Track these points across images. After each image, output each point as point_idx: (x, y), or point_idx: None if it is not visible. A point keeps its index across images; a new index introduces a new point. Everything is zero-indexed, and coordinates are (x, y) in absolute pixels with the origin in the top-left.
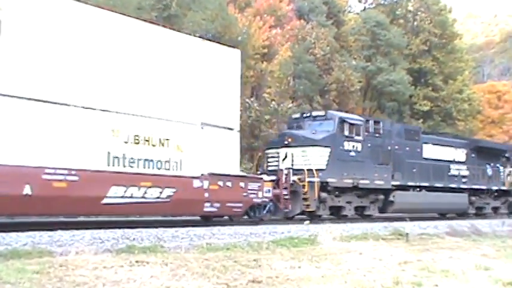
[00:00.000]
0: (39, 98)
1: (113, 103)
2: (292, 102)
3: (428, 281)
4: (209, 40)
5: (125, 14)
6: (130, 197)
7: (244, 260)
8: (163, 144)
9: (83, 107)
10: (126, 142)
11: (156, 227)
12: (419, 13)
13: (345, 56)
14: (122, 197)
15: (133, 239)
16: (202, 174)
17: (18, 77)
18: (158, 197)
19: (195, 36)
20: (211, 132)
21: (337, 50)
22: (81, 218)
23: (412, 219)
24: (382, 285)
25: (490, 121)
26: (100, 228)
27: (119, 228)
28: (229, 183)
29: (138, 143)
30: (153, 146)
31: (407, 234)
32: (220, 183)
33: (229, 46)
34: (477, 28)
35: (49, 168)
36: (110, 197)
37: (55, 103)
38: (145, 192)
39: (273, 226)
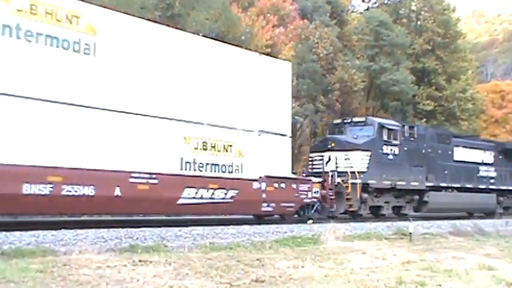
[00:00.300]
0: (130, 111)
1: (185, 113)
2: (296, 101)
3: (432, 281)
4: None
5: (128, 13)
6: (201, 197)
7: (247, 259)
8: (226, 150)
9: (160, 117)
10: (196, 148)
11: (159, 227)
12: (422, 12)
13: (348, 56)
14: (193, 197)
15: (137, 238)
16: (260, 177)
17: (111, 93)
18: (223, 198)
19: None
20: (267, 138)
21: (341, 50)
22: (84, 217)
23: (414, 219)
24: (385, 284)
25: (493, 121)
26: (103, 227)
27: (122, 227)
28: (283, 185)
29: (205, 149)
30: (218, 151)
31: (410, 233)
32: (276, 185)
33: (282, 59)
34: (481, 27)
35: (135, 172)
36: (184, 198)
37: (139, 114)
38: (212, 194)
39: (276, 226)
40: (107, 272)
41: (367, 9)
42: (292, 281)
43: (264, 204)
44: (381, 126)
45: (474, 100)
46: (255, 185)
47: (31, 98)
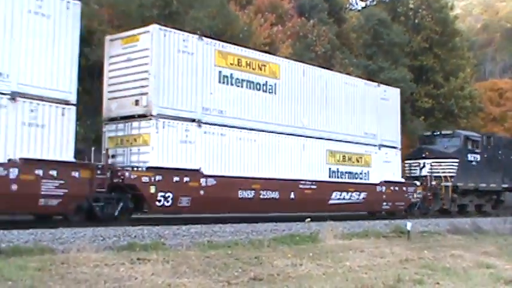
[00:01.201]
0: (299, 134)
1: (331, 133)
2: None
3: (430, 279)
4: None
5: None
6: (343, 198)
7: (245, 257)
8: (358, 161)
9: (316, 138)
10: (338, 161)
11: (157, 225)
12: (420, 10)
13: (346, 54)
14: (338, 198)
15: (135, 236)
16: (380, 182)
17: (286, 121)
18: (358, 199)
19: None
20: (384, 150)
21: (338, 48)
22: None
23: (413, 218)
24: (384, 283)
25: (491, 118)
26: (101, 225)
27: (120, 225)
28: (396, 188)
29: (344, 161)
30: (353, 162)
31: (408, 231)
32: (392, 188)
33: (386, 84)
34: (479, 25)
35: (302, 180)
36: (332, 199)
37: (303, 136)
38: (351, 196)
39: (273, 224)
40: (105, 270)
41: (364, 7)
42: (291, 279)
43: (384, 204)
44: (466, 138)
45: (472, 98)
46: (378, 188)
47: (243, 128)
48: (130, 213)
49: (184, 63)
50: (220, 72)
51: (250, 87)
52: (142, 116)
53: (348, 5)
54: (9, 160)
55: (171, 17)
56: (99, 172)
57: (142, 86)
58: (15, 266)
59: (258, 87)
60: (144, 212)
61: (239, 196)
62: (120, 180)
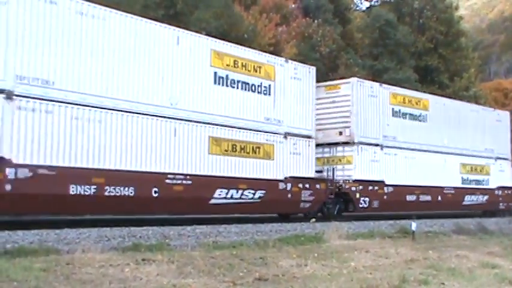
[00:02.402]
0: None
1: (461, 149)
2: None
3: (435, 279)
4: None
5: (131, 12)
6: (471, 200)
7: (250, 258)
8: (481, 171)
9: (448, 153)
10: (468, 171)
11: (162, 225)
12: (425, 11)
13: (351, 54)
14: (470, 200)
15: (140, 237)
16: (497, 187)
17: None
18: (481, 200)
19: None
20: (499, 162)
21: (343, 48)
22: (87, 217)
23: (418, 217)
24: (388, 283)
25: None
26: (106, 226)
27: (125, 226)
28: (510, 192)
29: (472, 171)
30: (478, 172)
31: (413, 232)
32: (506, 191)
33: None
34: (483, 25)
35: (446, 187)
36: (466, 201)
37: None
38: (477, 198)
39: (279, 224)
40: (110, 271)
41: (369, 8)
42: (296, 280)
43: (500, 204)
44: None
45: (477, 98)
46: (496, 192)
47: (408, 149)
48: (342, 212)
49: (372, 103)
50: (393, 109)
51: (244, 89)
52: (345, 143)
53: (352, 6)
54: (285, 178)
55: (176, 17)
56: (329, 184)
57: (345, 121)
58: (21, 266)
59: (253, 88)
60: (350, 211)
61: (407, 199)
62: (338, 190)
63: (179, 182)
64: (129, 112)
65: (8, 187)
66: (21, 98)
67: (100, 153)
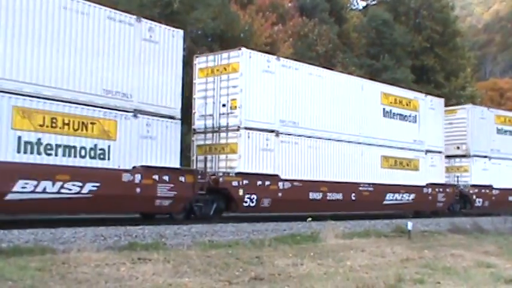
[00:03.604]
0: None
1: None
2: None
3: (431, 278)
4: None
5: (128, 12)
6: None
7: (246, 257)
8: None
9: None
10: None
11: (158, 224)
12: (421, 10)
13: (348, 53)
14: None
15: (136, 236)
16: (427, 184)
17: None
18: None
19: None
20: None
21: (339, 47)
22: (83, 216)
23: (414, 216)
24: (384, 282)
25: None
26: (102, 225)
27: (121, 225)
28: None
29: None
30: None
31: (409, 231)
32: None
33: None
34: (479, 25)
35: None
36: None
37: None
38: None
39: (275, 223)
40: (106, 270)
41: (365, 7)
42: (292, 279)
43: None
44: None
45: (473, 98)
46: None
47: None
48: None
49: (481, 124)
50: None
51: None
52: (462, 156)
53: (349, 5)
54: (426, 184)
55: (172, 16)
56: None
57: (461, 138)
58: (16, 266)
59: (405, 119)
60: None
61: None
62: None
63: (366, 188)
64: (337, 140)
65: (280, 194)
66: (283, 135)
67: (324, 169)
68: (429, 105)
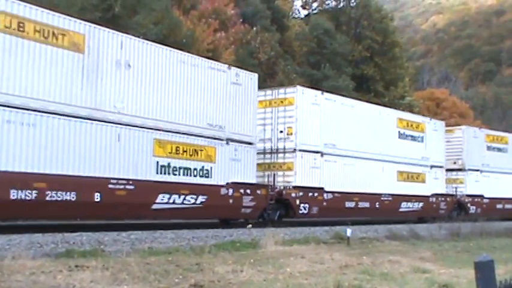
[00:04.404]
0: None
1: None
2: None
3: (368, 284)
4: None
5: (68, 14)
6: None
7: (186, 264)
8: (417, 178)
9: None
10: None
11: (97, 231)
12: (361, 20)
13: (289, 61)
14: None
15: (73, 243)
16: (431, 194)
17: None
18: (413, 206)
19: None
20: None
21: (281, 55)
22: (20, 222)
23: (353, 223)
24: None
25: None
26: (39, 232)
27: (59, 232)
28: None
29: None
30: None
31: (348, 238)
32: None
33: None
34: (417, 36)
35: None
36: None
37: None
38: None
39: (215, 230)
40: (41, 278)
41: (307, 15)
42: (231, 286)
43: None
44: None
45: (412, 107)
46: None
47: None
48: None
49: (475, 143)
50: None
51: (409, 139)
52: (458, 170)
53: (291, 13)
54: (431, 194)
55: (114, 21)
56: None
57: (457, 154)
58: None
59: (414, 139)
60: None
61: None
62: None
63: (386, 198)
64: (364, 158)
65: (324, 203)
66: (326, 155)
67: (355, 183)
68: (433, 127)
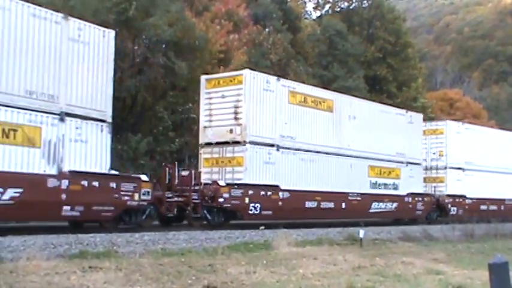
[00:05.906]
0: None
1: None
2: None
3: (381, 286)
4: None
5: (82, 18)
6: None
7: (199, 265)
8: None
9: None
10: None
11: (110, 232)
12: (374, 21)
13: (301, 62)
14: None
15: (87, 244)
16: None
17: None
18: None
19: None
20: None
21: (293, 56)
22: (33, 223)
23: (366, 224)
24: None
25: None
26: (53, 233)
27: (72, 233)
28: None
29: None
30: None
31: (361, 239)
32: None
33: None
34: (430, 37)
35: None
36: None
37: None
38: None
39: (228, 231)
40: (56, 279)
41: (319, 17)
42: (244, 287)
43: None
44: None
45: (425, 108)
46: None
47: None
48: None
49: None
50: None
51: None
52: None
53: (303, 14)
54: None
55: (128, 23)
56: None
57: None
58: None
59: None
60: None
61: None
62: None
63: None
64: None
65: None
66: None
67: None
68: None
